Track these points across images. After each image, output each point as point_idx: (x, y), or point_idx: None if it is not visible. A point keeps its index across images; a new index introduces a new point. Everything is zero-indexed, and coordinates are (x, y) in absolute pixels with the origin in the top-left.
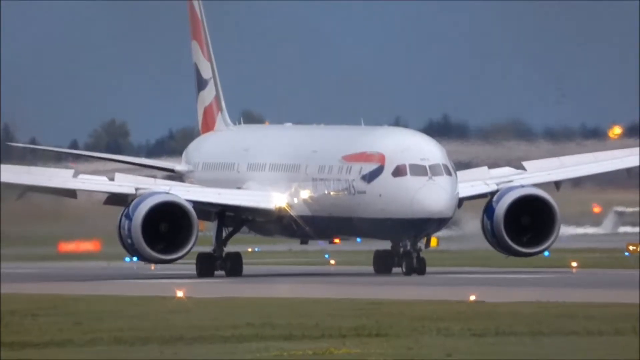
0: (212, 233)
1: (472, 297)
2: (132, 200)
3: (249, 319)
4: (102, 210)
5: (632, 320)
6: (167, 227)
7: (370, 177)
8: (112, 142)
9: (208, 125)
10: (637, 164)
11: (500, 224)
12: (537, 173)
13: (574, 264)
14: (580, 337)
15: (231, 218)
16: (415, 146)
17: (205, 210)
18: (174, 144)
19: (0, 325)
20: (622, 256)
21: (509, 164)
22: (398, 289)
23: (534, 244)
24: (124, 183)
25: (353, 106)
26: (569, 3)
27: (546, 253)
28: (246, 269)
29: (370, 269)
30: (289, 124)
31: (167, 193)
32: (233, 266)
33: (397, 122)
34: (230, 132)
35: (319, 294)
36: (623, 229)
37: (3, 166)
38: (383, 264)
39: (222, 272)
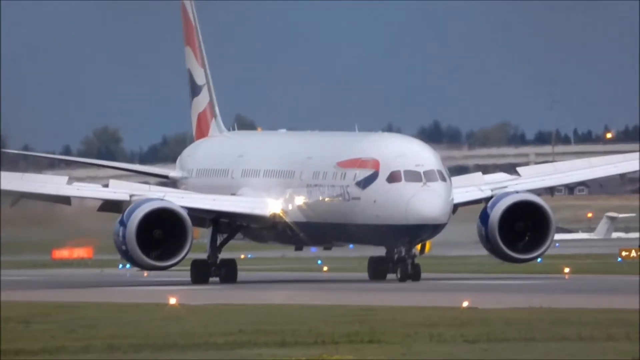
0: (206, 240)
1: (465, 304)
2: (127, 207)
3: (242, 325)
4: (95, 216)
5: (624, 326)
6: (161, 233)
7: (364, 183)
8: (104, 148)
9: (202, 132)
10: (631, 169)
11: (495, 230)
12: (532, 179)
13: (567, 269)
14: (573, 343)
15: (226, 224)
16: (409, 152)
17: (200, 216)
18: (167, 150)
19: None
20: (614, 262)
21: (501, 169)
22: (391, 295)
23: (529, 250)
24: (119, 190)
25: (346, 112)
26: (560, 5)
27: (539, 259)
28: (240, 275)
29: (364, 275)
30: (283, 130)
31: (162, 199)
32: (228, 273)
33: (390, 129)
34: (224, 138)
35: (312, 301)
36: (616, 235)
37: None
38: (378, 270)
39: (217, 279)
